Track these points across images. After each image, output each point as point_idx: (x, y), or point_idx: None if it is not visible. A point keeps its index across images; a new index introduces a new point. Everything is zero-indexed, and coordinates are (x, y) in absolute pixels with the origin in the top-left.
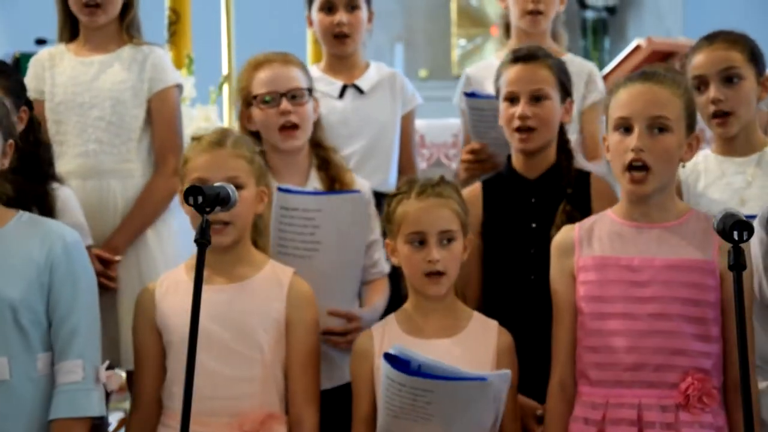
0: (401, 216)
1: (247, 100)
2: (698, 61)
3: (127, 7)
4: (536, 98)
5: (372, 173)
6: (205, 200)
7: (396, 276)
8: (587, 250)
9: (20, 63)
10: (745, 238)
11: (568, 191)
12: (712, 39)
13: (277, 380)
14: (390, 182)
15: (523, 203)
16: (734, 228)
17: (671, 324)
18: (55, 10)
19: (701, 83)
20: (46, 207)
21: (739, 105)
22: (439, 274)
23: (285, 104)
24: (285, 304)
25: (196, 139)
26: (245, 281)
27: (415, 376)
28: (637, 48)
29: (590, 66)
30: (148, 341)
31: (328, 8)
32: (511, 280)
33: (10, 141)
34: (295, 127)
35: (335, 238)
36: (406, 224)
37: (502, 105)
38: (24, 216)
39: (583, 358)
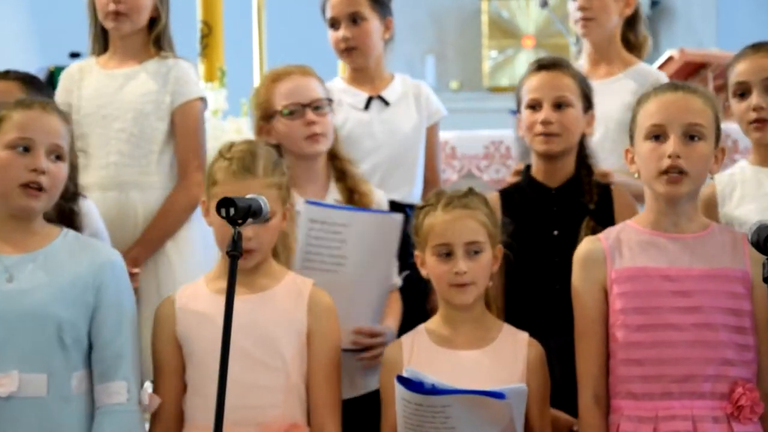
0: (428, 228)
1: (267, 114)
2: (742, 68)
3: (155, 20)
4: (559, 105)
5: (397, 185)
6: (237, 212)
7: (421, 288)
8: (619, 261)
9: (54, 76)
10: None
11: (591, 207)
12: (758, 48)
13: (299, 391)
14: (415, 194)
15: (544, 212)
16: None
17: (716, 334)
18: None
19: (743, 90)
20: (73, 224)
21: None
22: (466, 283)
23: (310, 115)
24: (306, 314)
25: (224, 155)
26: (266, 291)
27: (430, 395)
28: (670, 59)
29: (658, 75)
30: (169, 354)
31: (332, 24)
32: (536, 290)
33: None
34: (320, 135)
35: (361, 255)
36: (433, 236)
37: (525, 112)
38: (69, 234)
39: (624, 371)
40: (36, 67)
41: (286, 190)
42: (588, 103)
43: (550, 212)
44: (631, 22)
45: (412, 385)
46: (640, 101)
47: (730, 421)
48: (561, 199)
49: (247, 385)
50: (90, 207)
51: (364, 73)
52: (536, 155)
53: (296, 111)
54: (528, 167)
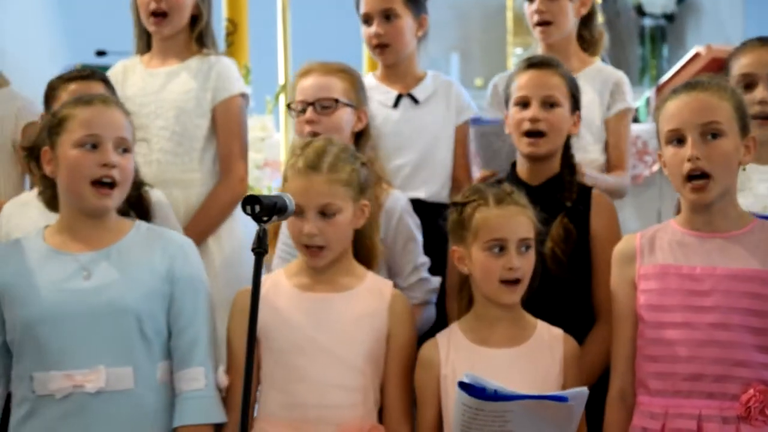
0: (480, 222)
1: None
2: (748, 60)
3: (197, 18)
4: (548, 104)
5: (424, 183)
6: (263, 210)
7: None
8: (649, 258)
9: None
10: None
11: (567, 204)
12: (764, 41)
13: (375, 392)
14: (443, 193)
15: None
16: None
17: (732, 334)
18: (115, 23)
19: (748, 82)
20: (143, 210)
21: None
22: (517, 281)
23: (309, 113)
24: (387, 316)
25: (295, 153)
26: (349, 291)
27: (492, 401)
28: (697, 56)
29: (619, 74)
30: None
31: (366, 20)
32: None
33: None
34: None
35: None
36: (485, 231)
37: (513, 110)
38: (142, 226)
39: (643, 367)
40: (62, 65)
41: (358, 186)
42: (575, 104)
43: None
44: (586, 20)
45: (474, 390)
46: (659, 107)
47: (740, 422)
48: (542, 196)
49: (328, 384)
50: (160, 198)
51: (395, 71)
52: (522, 155)
53: (303, 108)
54: (514, 164)
